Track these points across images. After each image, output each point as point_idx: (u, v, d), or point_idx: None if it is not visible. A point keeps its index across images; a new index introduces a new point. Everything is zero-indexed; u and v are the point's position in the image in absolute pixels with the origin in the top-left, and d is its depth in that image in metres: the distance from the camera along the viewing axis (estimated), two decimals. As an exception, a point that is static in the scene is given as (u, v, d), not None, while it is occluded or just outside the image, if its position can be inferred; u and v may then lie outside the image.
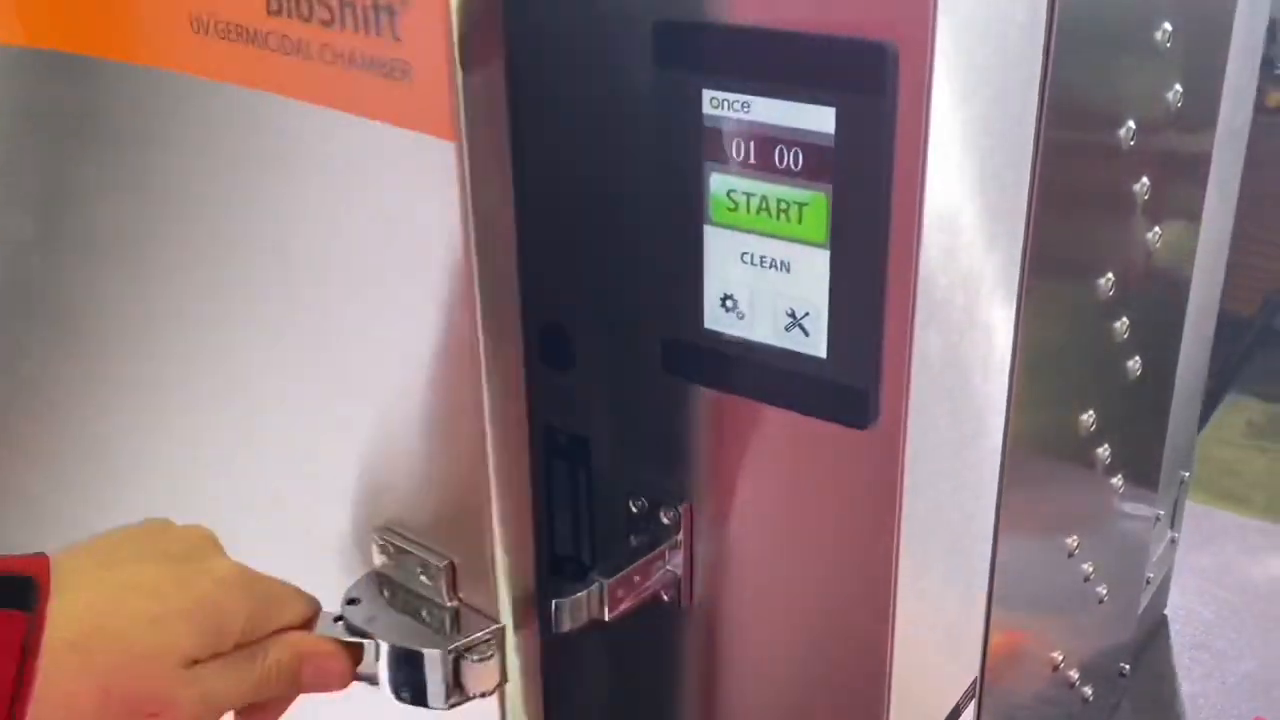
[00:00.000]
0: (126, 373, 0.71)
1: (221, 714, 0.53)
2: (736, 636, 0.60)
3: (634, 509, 0.60)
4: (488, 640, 0.56)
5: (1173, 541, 1.02)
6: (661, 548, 0.59)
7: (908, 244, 0.48)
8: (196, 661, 0.50)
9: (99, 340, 0.73)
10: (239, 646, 0.53)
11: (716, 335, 0.54)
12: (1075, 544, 0.74)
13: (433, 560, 0.57)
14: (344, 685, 0.56)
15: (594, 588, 0.56)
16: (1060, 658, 0.78)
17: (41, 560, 0.50)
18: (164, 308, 0.67)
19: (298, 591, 0.56)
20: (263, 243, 0.60)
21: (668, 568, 0.60)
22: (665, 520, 0.59)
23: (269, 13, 0.51)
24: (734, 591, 0.59)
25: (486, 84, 0.48)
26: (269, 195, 0.58)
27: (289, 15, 0.50)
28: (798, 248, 0.50)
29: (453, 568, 0.57)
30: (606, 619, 0.56)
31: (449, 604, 0.57)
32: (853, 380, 0.51)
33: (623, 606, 0.57)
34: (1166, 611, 1.06)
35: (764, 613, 0.58)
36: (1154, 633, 1.03)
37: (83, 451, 0.77)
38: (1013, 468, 0.62)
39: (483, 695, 0.57)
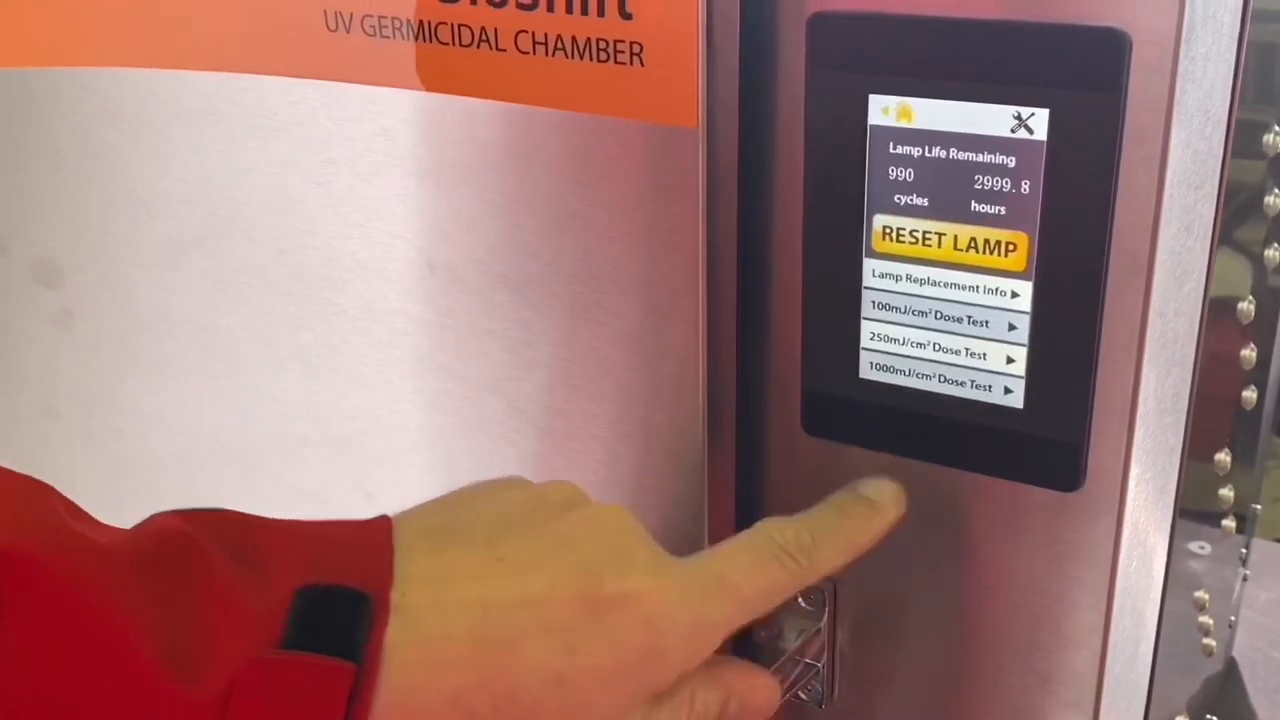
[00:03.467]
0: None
1: None
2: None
3: (764, 593, 0.51)
4: None
5: (1245, 579, 0.96)
6: (802, 639, 0.50)
7: (1137, 268, 0.40)
8: None
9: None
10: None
11: (875, 386, 0.45)
12: (1205, 599, 0.67)
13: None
14: (768, 717, 0.44)
15: (736, 693, 0.47)
16: (1185, 723, 0.70)
17: (381, 545, 0.37)
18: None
19: (729, 596, 0.40)
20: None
21: (806, 660, 0.51)
22: (804, 605, 0.50)
23: (443, 0, 0.42)
24: (889, 688, 0.50)
25: (727, 65, 0.41)
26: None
27: (473, 1, 0.41)
28: (990, 278, 0.42)
29: None
30: (753, 729, 0.48)
31: None
32: (1059, 434, 0.43)
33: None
34: (1234, 654, 0.99)
35: (929, 715, 0.50)
36: (1227, 677, 0.96)
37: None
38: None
39: None
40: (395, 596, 0.36)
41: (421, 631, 0.36)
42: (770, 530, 0.42)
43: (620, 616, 0.38)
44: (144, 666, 0.33)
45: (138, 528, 0.37)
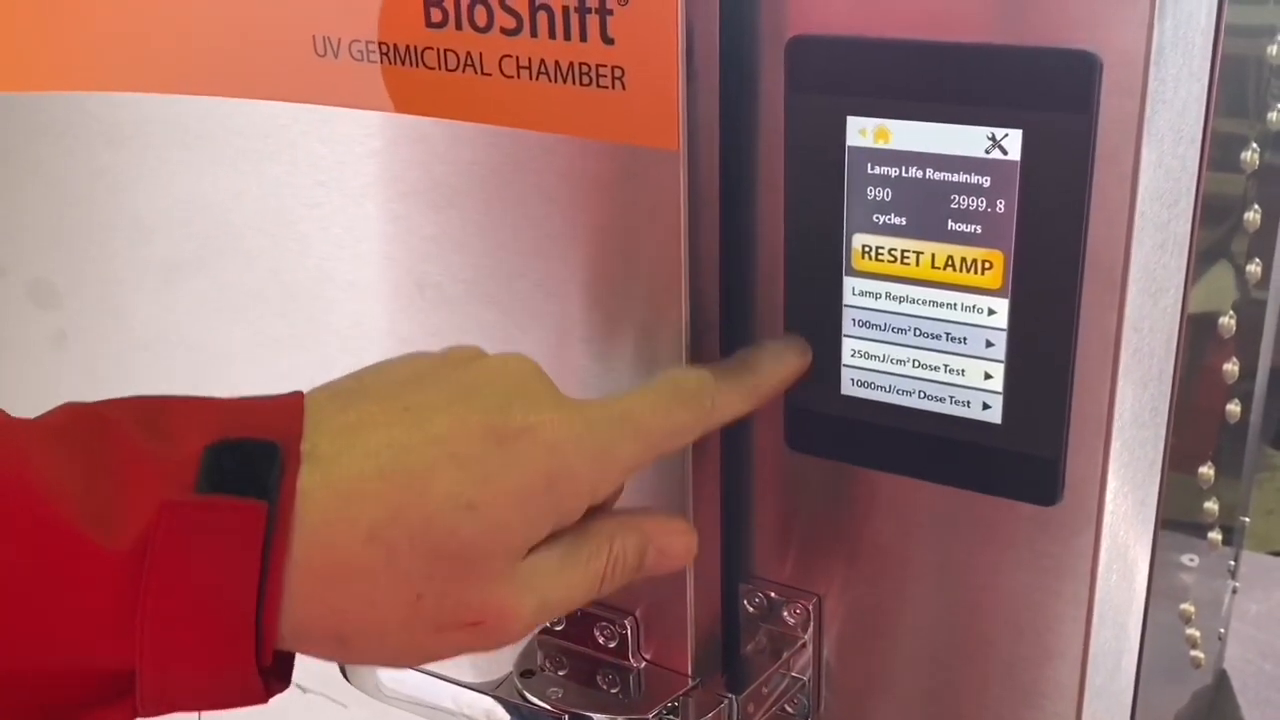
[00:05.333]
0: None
1: (555, 618, 0.41)
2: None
3: (750, 607, 0.51)
4: (687, 700, 0.49)
5: (1234, 592, 0.96)
6: (788, 652, 0.50)
7: (1111, 285, 0.41)
8: (530, 551, 0.39)
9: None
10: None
11: (857, 403, 0.46)
12: (1192, 611, 0.68)
13: (614, 617, 0.50)
14: (687, 563, 0.45)
15: (722, 706, 0.48)
16: (1173, 735, 0.71)
17: (291, 406, 0.37)
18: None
19: (633, 431, 0.41)
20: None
21: (792, 674, 0.51)
22: (789, 618, 0.51)
23: (428, 25, 0.43)
24: (874, 702, 0.51)
25: (707, 88, 0.42)
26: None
27: (457, 26, 0.42)
28: (967, 296, 0.43)
29: (637, 623, 0.50)
30: (739, 742, 0.48)
31: (635, 665, 0.50)
32: (1036, 449, 0.43)
33: (753, 726, 0.49)
34: (1225, 666, 0.99)
35: (913, 722, 0.50)
36: (1218, 690, 0.96)
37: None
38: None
39: None
40: (305, 447, 0.37)
41: (333, 474, 0.36)
42: (674, 375, 0.43)
43: (525, 444, 0.38)
44: (59, 523, 0.34)
45: (47, 412, 0.38)
